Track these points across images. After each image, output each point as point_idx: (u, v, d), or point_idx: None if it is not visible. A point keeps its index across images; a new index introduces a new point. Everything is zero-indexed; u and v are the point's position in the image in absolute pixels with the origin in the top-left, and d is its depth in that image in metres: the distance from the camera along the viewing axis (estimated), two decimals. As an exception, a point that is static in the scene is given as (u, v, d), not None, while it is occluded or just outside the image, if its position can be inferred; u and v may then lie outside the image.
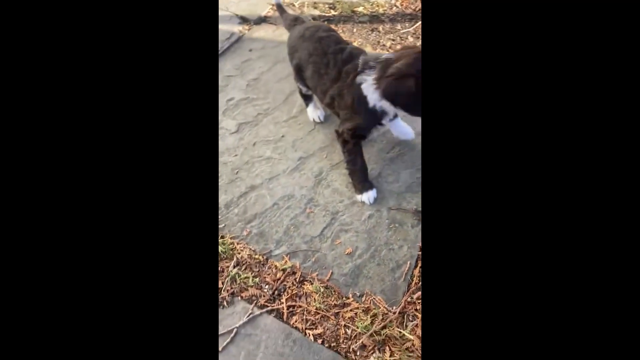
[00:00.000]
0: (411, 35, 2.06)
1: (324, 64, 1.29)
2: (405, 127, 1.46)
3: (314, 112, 1.59)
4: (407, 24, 2.12)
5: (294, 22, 1.52)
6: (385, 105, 1.18)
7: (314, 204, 1.35)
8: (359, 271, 1.18)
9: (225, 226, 1.31)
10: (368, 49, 1.95)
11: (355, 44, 2.00)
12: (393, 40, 2.04)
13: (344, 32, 2.11)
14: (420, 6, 2.21)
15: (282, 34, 2.05)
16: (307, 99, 1.56)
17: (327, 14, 2.22)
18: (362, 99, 1.19)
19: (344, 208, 1.33)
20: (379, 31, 2.10)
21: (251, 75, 1.83)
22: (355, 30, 2.12)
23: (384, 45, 2.01)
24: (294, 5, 2.26)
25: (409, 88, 1.07)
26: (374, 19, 2.18)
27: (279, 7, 1.65)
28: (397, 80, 1.09)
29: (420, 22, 2.11)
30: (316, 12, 2.23)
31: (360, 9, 2.23)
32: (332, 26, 2.14)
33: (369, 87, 1.17)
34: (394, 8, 2.23)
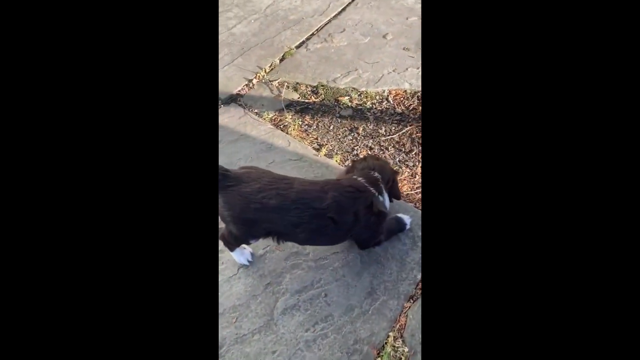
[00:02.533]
0: (393, 146, 1.76)
1: (325, 224, 1.20)
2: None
3: (242, 254, 1.35)
4: (392, 128, 1.82)
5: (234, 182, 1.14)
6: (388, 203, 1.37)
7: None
8: None
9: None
10: (336, 158, 1.68)
11: (325, 148, 1.74)
12: (371, 148, 1.75)
13: (318, 127, 1.85)
14: (414, 106, 1.90)
15: (246, 124, 1.82)
16: (235, 244, 1.32)
17: (307, 100, 1.96)
18: (383, 210, 1.30)
19: (229, 409, 1.10)
20: (358, 133, 1.82)
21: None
22: (332, 127, 1.85)
23: (356, 155, 1.72)
24: (271, 82, 2.02)
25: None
26: (358, 114, 1.90)
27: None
28: (395, 182, 1.39)
29: (405, 129, 1.81)
30: (295, 96, 1.97)
31: (346, 99, 1.94)
32: (308, 118, 1.88)
33: (383, 200, 1.31)
34: (385, 103, 1.93)
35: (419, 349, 1.18)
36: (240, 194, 1.12)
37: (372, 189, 1.26)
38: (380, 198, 1.29)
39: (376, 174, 1.30)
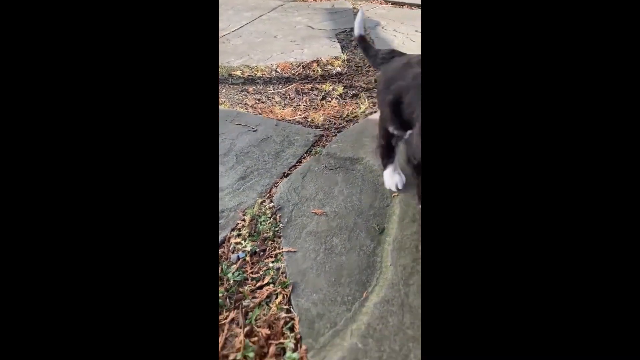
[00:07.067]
0: (279, 95, 1.92)
1: None
2: None
3: (393, 176, 1.22)
4: (280, 86, 2.01)
5: (390, 55, 1.27)
6: None
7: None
8: None
9: None
10: (224, 107, 1.79)
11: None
12: (258, 99, 1.90)
13: (211, 92, 1.98)
14: (298, 72, 2.13)
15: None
16: (390, 155, 1.21)
17: (202, 77, 2.13)
18: None
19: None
20: (247, 92, 1.97)
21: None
22: (224, 91, 2.00)
23: (246, 104, 1.85)
24: (170, 69, 2.19)
25: None
26: (248, 81, 2.08)
27: (362, 40, 1.35)
28: None
29: (291, 85, 2.00)
30: (191, 75, 2.14)
31: (238, 72, 2.14)
32: (203, 87, 2.03)
33: None
34: (273, 72, 2.14)
35: (285, 205, 1.16)
36: (394, 61, 1.20)
37: None
38: None
39: None
